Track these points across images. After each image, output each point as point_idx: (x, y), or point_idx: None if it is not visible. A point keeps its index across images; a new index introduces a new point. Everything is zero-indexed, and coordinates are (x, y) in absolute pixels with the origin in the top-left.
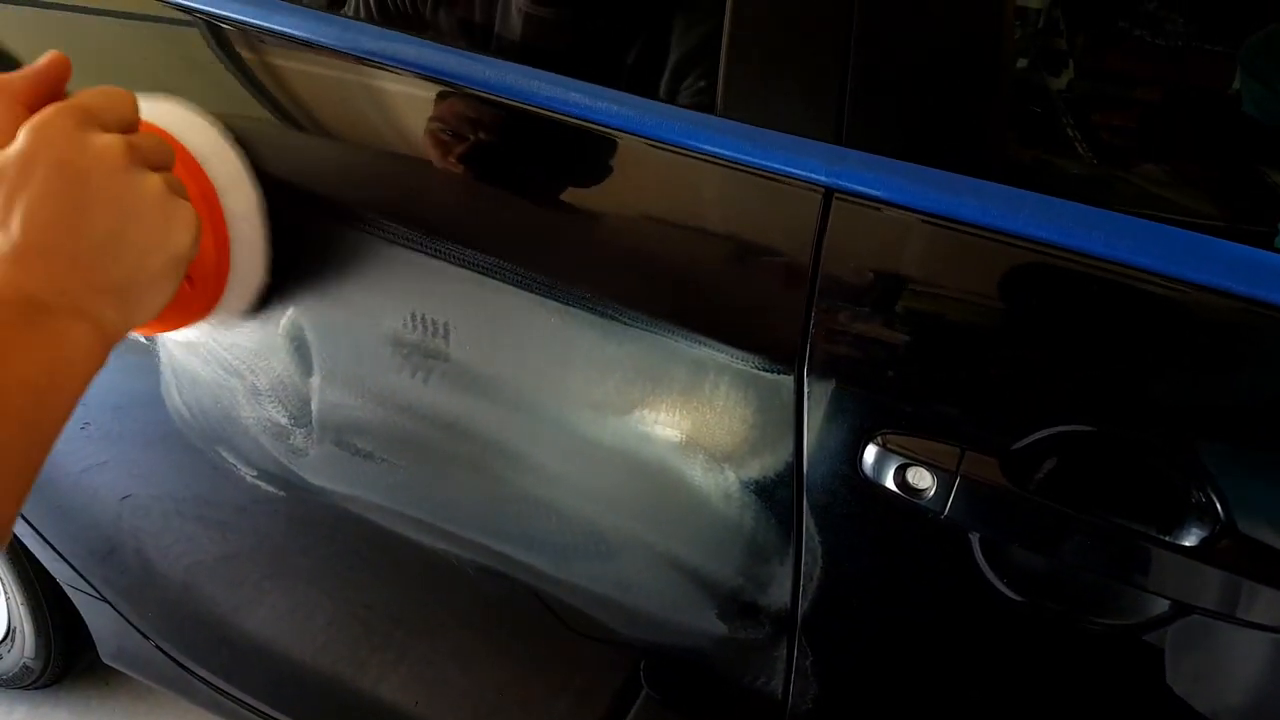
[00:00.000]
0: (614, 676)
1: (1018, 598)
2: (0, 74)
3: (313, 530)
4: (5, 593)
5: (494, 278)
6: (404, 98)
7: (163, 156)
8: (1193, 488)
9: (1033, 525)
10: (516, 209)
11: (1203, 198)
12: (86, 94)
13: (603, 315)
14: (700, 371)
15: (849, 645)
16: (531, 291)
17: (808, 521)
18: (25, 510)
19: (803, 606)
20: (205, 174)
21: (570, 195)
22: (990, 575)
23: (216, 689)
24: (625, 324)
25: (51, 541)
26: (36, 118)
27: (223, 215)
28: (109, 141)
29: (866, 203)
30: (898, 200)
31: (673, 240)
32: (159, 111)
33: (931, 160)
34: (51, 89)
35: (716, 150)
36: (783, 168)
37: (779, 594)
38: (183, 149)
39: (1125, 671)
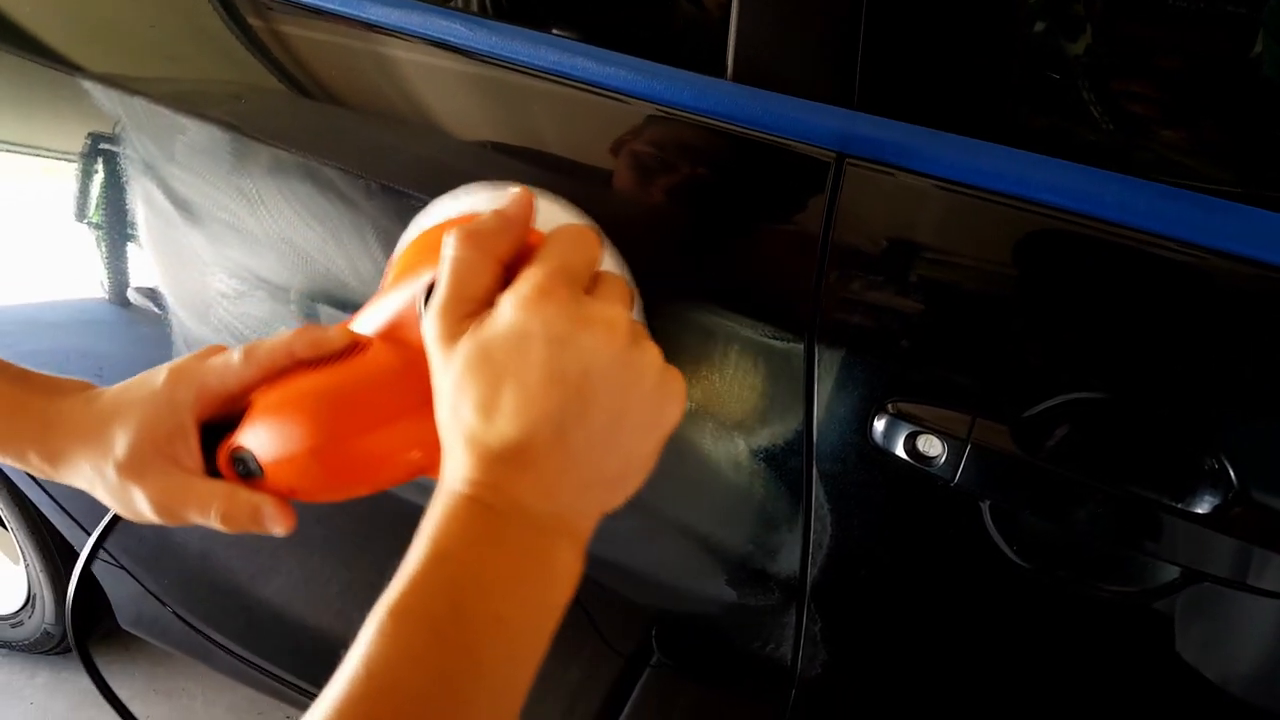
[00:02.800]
0: (626, 643)
1: (1027, 565)
2: (469, 225)
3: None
4: (25, 560)
5: None
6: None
7: (630, 302)
8: (1205, 455)
9: (1044, 493)
10: (508, 168)
11: (1224, 164)
12: (559, 246)
13: None
14: (710, 339)
15: (857, 612)
16: None
17: (817, 489)
18: (43, 479)
19: (811, 574)
20: None
21: (576, 158)
22: (1000, 542)
23: (234, 654)
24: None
25: (68, 509)
26: (527, 288)
27: None
28: (612, 317)
29: (879, 167)
30: (911, 165)
31: (680, 206)
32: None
33: (945, 124)
34: (524, 237)
35: (726, 114)
36: (793, 132)
37: (788, 561)
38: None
39: (1135, 639)
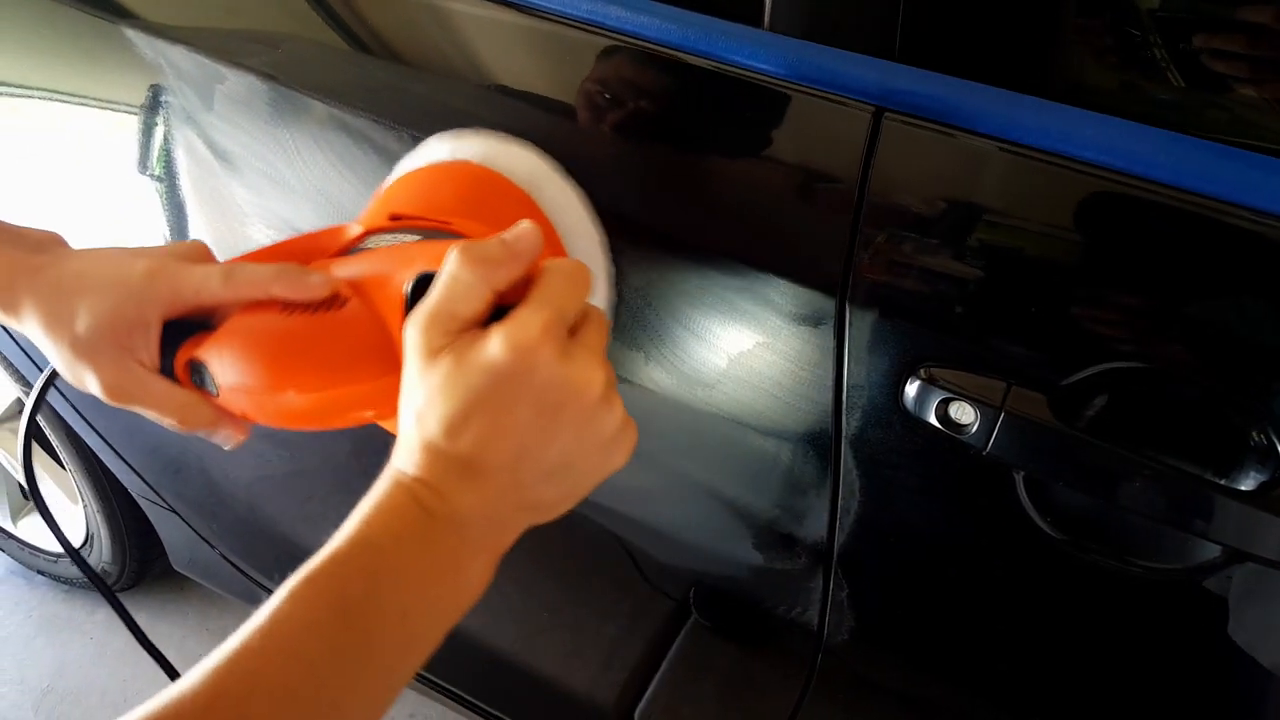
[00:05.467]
0: (663, 603)
1: (1060, 536)
2: (476, 248)
3: (376, 451)
4: (83, 501)
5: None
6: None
7: (607, 338)
8: (1252, 429)
9: (1080, 464)
10: (534, 119)
11: None
12: (557, 288)
13: None
14: (739, 300)
15: (884, 579)
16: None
17: (846, 455)
18: (98, 424)
19: (839, 540)
20: (554, 228)
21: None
22: (1033, 513)
23: None
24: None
25: (124, 455)
26: (521, 334)
27: None
28: (592, 377)
29: (919, 123)
30: (953, 120)
31: (709, 162)
32: (498, 156)
33: (991, 78)
34: (524, 274)
35: (760, 65)
36: (831, 84)
37: (815, 526)
38: (532, 204)
39: (1172, 616)
